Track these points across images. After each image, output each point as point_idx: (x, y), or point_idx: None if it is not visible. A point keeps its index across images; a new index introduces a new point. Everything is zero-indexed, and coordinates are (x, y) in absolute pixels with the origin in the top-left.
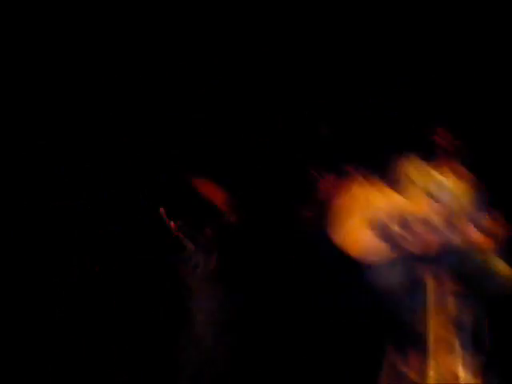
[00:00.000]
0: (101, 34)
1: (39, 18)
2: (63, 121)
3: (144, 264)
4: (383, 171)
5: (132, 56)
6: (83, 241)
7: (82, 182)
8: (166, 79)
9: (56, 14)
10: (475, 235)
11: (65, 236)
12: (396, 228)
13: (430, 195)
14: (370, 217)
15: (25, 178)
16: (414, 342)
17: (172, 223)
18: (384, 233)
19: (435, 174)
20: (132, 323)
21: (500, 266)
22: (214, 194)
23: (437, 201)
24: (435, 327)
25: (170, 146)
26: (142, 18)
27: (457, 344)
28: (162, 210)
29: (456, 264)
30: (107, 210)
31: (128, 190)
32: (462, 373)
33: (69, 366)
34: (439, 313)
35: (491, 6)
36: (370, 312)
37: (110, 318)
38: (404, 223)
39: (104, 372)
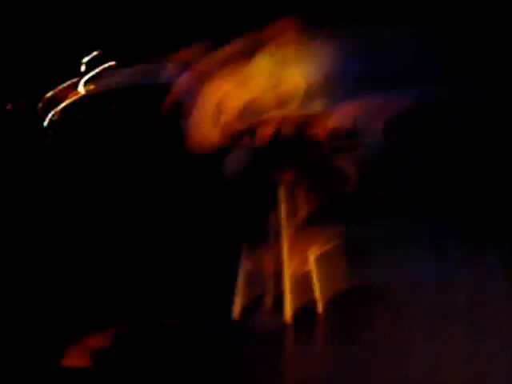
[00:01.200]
0: (101, 34)
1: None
2: (63, 121)
3: (144, 265)
4: (224, 56)
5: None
6: (83, 241)
7: (81, 182)
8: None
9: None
10: (316, 129)
11: (65, 236)
12: (235, 119)
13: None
14: (212, 107)
15: (25, 178)
16: (266, 238)
17: None
18: (224, 123)
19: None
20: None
21: (342, 163)
22: None
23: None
24: (286, 223)
25: None
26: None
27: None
28: None
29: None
30: (107, 210)
31: (128, 190)
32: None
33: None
34: (289, 209)
35: None
36: (221, 209)
37: (109, 318)
38: (243, 114)
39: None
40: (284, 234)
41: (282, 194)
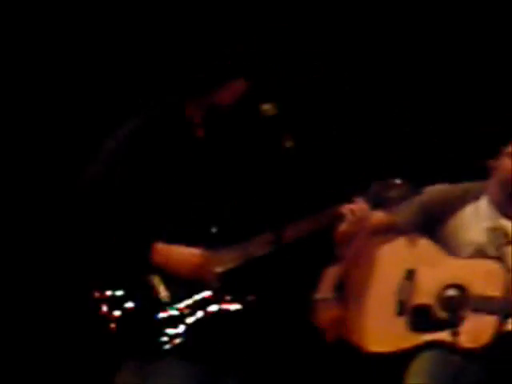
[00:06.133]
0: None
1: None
2: (64, 122)
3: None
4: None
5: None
6: (84, 243)
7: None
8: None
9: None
10: None
11: (65, 238)
12: (438, 310)
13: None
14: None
15: (25, 178)
16: None
17: None
18: (413, 316)
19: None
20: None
21: None
22: None
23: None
24: None
25: None
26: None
27: None
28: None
29: None
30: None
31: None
32: None
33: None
34: None
35: None
36: None
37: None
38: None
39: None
40: None
41: None
